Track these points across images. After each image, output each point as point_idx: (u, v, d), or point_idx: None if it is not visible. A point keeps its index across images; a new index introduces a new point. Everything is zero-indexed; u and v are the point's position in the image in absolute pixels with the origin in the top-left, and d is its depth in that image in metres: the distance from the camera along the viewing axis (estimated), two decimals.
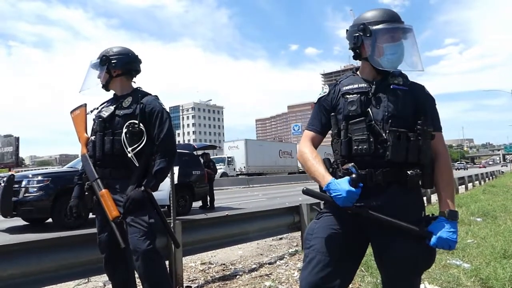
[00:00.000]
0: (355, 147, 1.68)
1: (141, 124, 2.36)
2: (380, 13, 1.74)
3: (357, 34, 1.74)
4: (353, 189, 1.56)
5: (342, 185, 1.57)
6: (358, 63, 1.91)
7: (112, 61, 2.46)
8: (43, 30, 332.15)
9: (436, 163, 1.68)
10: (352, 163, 1.66)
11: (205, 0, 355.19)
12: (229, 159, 31.63)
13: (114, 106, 2.45)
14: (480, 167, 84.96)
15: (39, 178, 7.40)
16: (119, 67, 2.47)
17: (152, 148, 2.40)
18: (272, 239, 5.82)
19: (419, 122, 1.63)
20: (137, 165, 2.33)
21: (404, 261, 1.61)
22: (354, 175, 1.59)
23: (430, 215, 1.66)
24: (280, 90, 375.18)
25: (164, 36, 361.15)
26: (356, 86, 1.77)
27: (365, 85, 1.75)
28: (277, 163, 36.85)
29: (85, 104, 2.64)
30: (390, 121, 1.65)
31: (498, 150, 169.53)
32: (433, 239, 1.55)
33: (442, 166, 1.68)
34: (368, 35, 1.71)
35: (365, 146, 1.65)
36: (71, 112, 2.69)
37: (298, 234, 5.31)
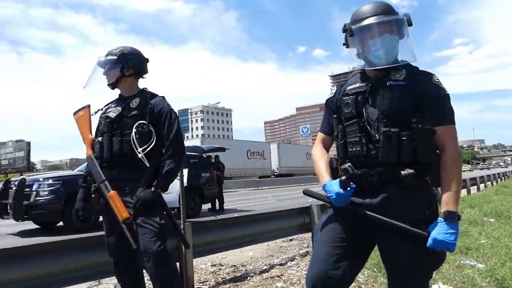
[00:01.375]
0: (350, 149, 1.69)
1: (150, 125, 2.34)
2: (364, 9, 1.70)
3: (344, 35, 1.73)
4: (341, 191, 1.61)
5: (333, 187, 1.64)
6: None
7: (128, 60, 2.44)
8: (54, 36, 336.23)
9: (441, 160, 1.60)
10: (349, 164, 1.67)
11: (213, 3, 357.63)
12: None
13: (122, 107, 2.44)
14: (502, 167, 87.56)
15: (50, 181, 7.45)
16: (132, 66, 2.46)
17: (161, 149, 2.39)
18: (283, 240, 5.78)
19: (413, 120, 1.57)
20: (148, 165, 2.31)
21: (405, 263, 1.59)
22: (343, 177, 1.62)
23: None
24: (289, 92, 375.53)
25: (172, 39, 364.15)
26: (356, 85, 1.76)
27: (364, 84, 1.73)
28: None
29: (89, 105, 2.60)
30: (385, 120, 1.61)
31: (510, 150, 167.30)
32: (429, 240, 1.51)
33: (445, 163, 1.59)
34: (350, 35, 1.69)
35: (358, 148, 1.66)
36: (74, 113, 2.64)
37: (308, 235, 5.26)
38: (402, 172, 1.57)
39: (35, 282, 2.63)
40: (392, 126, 1.59)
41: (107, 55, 2.46)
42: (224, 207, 11.49)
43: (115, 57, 2.43)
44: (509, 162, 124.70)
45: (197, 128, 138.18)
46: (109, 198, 2.26)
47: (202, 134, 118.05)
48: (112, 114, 2.42)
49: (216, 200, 11.34)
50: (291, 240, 5.92)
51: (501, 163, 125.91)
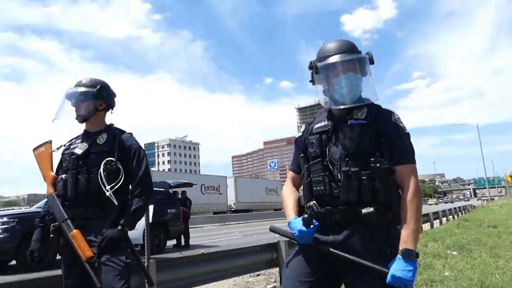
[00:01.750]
0: (314, 188, 1.71)
1: (118, 162, 2.29)
2: (329, 46, 1.75)
3: (310, 72, 1.77)
4: (304, 228, 1.63)
5: (297, 224, 1.66)
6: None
7: (105, 94, 2.40)
8: (16, 62, 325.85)
9: (401, 199, 1.62)
10: (314, 202, 1.70)
11: (181, 33, 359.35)
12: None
13: (88, 143, 2.36)
14: (464, 200, 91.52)
15: (4, 219, 7.09)
16: (106, 101, 2.42)
17: (128, 186, 2.33)
18: (250, 275, 5.67)
19: (371, 159, 1.59)
20: (116, 203, 2.24)
21: None
22: (306, 215, 1.64)
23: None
24: (256, 125, 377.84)
25: (141, 68, 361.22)
26: (321, 124, 1.80)
27: (328, 122, 1.77)
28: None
29: (50, 141, 2.51)
30: (347, 159, 1.64)
31: (469, 184, 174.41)
32: (388, 277, 1.52)
33: (404, 202, 1.60)
34: (316, 72, 1.74)
35: (321, 187, 1.68)
36: (34, 149, 2.53)
37: (276, 270, 5.20)
38: (363, 211, 1.59)
39: None
40: (353, 165, 1.62)
41: (80, 86, 2.38)
42: (190, 243, 11.20)
43: (93, 90, 2.36)
44: (468, 196, 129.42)
45: (163, 162, 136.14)
46: (72, 238, 2.15)
47: (169, 169, 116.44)
48: (78, 151, 2.33)
49: (182, 236, 11.06)
50: (258, 275, 5.81)
51: (460, 197, 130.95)
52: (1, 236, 6.81)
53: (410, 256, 1.53)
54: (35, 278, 2.90)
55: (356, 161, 1.62)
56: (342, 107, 1.70)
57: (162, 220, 9.48)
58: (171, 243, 10.62)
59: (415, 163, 1.68)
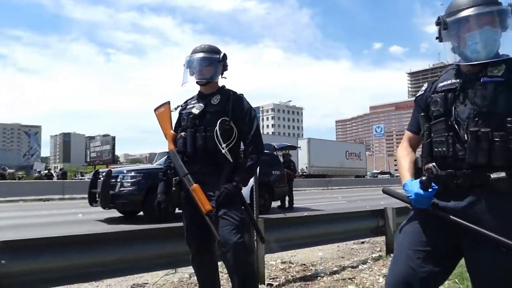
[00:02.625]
0: (435, 149, 1.59)
1: (231, 122, 2.41)
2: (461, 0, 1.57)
3: (437, 28, 1.62)
4: (421, 191, 1.52)
5: (413, 187, 1.56)
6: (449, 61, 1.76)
7: (226, 60, 2.57)
8: (137, 38, 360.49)
9: None
10: (433, 164, 1.58)
11: (287, 1, 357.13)
12: None
13: (203, 103, 2.52)
14: None
15: (132, 174, 8.03)
16: (225, 67, 2.58)
17: (239, 145, 2.46)
18: (354, 243, 5.62)
19: (508, 119, 1.43)
20: (231, 160, 2.39)
21: (492, 275, 1.45)
22: (424, 178, 1.52)
23: None
24: (363, 91, 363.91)
25: (246, 38, 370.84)
26: (447, 82, 1.65)
27: (456, 80, 1.61)
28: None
29: (169, 102, 2.71)
30: (476, 119, 1.49)
31: None
32: None
33: None
34: (444, 28, 1.58)
35: (443, 148, 1.55)
36: (155, 110, 2.76)
37: (381, 239, 5.08)
38: (492, 176, 1.45)
39: (121, 266, 2.86)
40: (484, 125, 1.47)
41: (203, 52, 2.52)
42: (294, 205, 11.48)
43: (217, 56, 2.53)
44: None
45: (267, 126, 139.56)
46: (192, 191, 2.34)
47: (272, 132, 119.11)
48: (195, 110, 2.50)
49: (286, 198, 11.37)
50: (362, 243, 5.74)
51: None
52: (130, 188, 7.75)
53: None
54: (159, 228, 3.27)
55: (488, 121, 1.47)
56: (475, 62, 1.53)
57: (267, 181, 9.79)
58: (275, 204, 10.98)
59: None
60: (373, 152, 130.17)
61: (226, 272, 2.51)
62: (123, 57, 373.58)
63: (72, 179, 29.79)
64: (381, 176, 44.49)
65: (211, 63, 2.51)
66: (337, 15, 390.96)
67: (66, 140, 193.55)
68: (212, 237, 2.35)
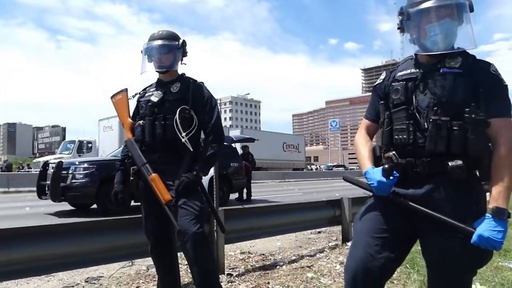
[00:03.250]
0: (396, 137, 1.63)
1: (191, 110, 2.36)
2: None
3: (400, 18, 1.66)
4: (384, 179, 1.56)
5: (375, 175, 1.60)
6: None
7: (185, 46, 2.49)
8: (90, 25, 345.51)
9: (493, 154, 1.51)
10: (393, 152, 1.61)
11: None
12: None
13: (163, 91, 2.44)
14: None
15: (85, 165, 7.70)
16: (185, 53, 2.51)
17: (200, 134, 2.41)
18: (311, 232, 5.75)
19: (466, 109, 1.48)
20: (191, 149, 2.33)
21: (448, 258, 1.53)
22: (386, 165, 1.56)
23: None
24: (319, 85, 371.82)
25: (204, 29, 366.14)
26: (407, 72, 1.69)
27: (416, 70, 1.66)
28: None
29: (126, 89, 2.61)
30: (435, 108, 1.54)
31: None
32: (474, 237, 1.43)
33: (498, 157, 1.49)
34: (407, 19, 1.62)
35: (404, 136, 1.60)
36: (112, 97, 2.65)
37: (337, 228, 5.22)
38: (450, 164, 1.50)
39: (72, 259, 2.73)
40: (443, 115, 1.52)
41: (162, 39, 2.43)
42: (252, 198, 11.54)
43: (176, 43, 2.44)
44: None
45: (225, 118, 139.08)
46: (151, 181, 2.27)
47: (230, 125, 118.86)
48: (154, 98, 2.42)
49: (244, 190, 11.40)
50: (319, 232, 5.87)
51: None
52: (83, 180, 7.44)
53: (502, 216, 1.43)
54: (116, 219, 3.16)
55: (447, 110, 1.52)
56: (435, 53, 1.58)
57: (225, 173, 9.77)
58: (233, 196, 10.99)
59: (511, 117, 1.55)
60: (328, 145, 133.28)
61: (186, 263, 2.47)
62: (76, 45, 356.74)
63: (17, 171, 28.25)
64: (336, 169, 45.68)
65: (170, 50, 2.43)
66: (295, 10, 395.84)
67: (10, 131, 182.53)
68: (171, 228, 2.29)
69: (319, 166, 65.50)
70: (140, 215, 2.52)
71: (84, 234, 2.83)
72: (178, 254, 2.62)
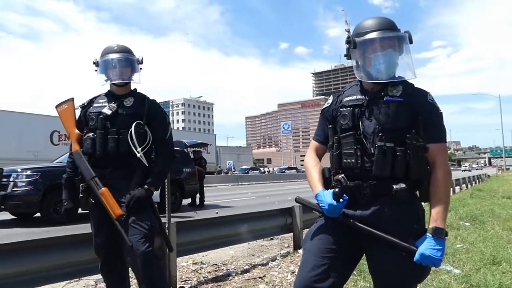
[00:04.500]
0: (344, 160, 1.71)
1: (145, 126, 2.35)
2: (369, 23, 1.73)
3: (347, 46, 1.76)
4: (334, 202, 1.64)
5: (326, 198, 1.67)
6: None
7: (142, 62, 2.51)
8: (32, 21, 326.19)
9: (431, 177, 1.64)
10: (342, 175, 1.70)
11: None
12: None
13: (116, 104, 2.39)
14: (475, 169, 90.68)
15: (28, 172, 7.31)
16: (140, 68, 2.51)
17: (152, 149, 2.41)
18: (263, 240, 5.82)
19: (408, 136, 1.60)
20: (147, 164, 2.33)
21: (392, 274, 1.63)
22: (337, 189, 1.65)
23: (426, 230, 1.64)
24: (271, 88, 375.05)
25: (154, 30, 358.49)
26: (353, 98, 1.79)
27: (362, 97, 1.76)
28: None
29: (73, 99, 2.53)
30: (380, 134, 1.65)
31: (484, 153, 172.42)
32: (417, 255, 1.55)
33: (436, 180, 1.63)
34: (353, 47, 1.73)
35: (352, 160, 1.68)
36: (57, 106, 2.56)
37: (289, 235, 5.33)
38: (394, 187, 1.61)
39: (16, 280, 2.60)
40: (388, 141, 1.62)
41: (123, 52, 2.42)
42: (205, 203, 11.47)
43: (137, 58, 2.48)
44: (482, 165, 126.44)
45: (178, 121, 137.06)
46: (101, 195, 2.22)
47: (183, 127, 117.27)
48: (107, 111, 2.37)
49: (197, 195, 11.31)
50: (271, 239, 5.97)
51: (473, 165, 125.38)
52: (26, 188, 7.06)
53: (440, 235, 1.56)
54: (63, 236, 3.04)
55: (391, 136, 1.63)
56: (379, 81, 1.69)
57: (177, 178, 9.64)
58: (186, 201, 10.87)
59: (446, 143, 1.71)
60: (281, 148, 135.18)
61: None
62: (16, 42, 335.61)
63: None
64: (288, 171, 46.40)
65: (130, 63, 2.43)
66: (246, 13, 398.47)
67: None
68: (122, 244, 2.25)
69: (273, 169, 66.39)
70: (89, 232, 2.45)
71: (30, 252, 2.70)
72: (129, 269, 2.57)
